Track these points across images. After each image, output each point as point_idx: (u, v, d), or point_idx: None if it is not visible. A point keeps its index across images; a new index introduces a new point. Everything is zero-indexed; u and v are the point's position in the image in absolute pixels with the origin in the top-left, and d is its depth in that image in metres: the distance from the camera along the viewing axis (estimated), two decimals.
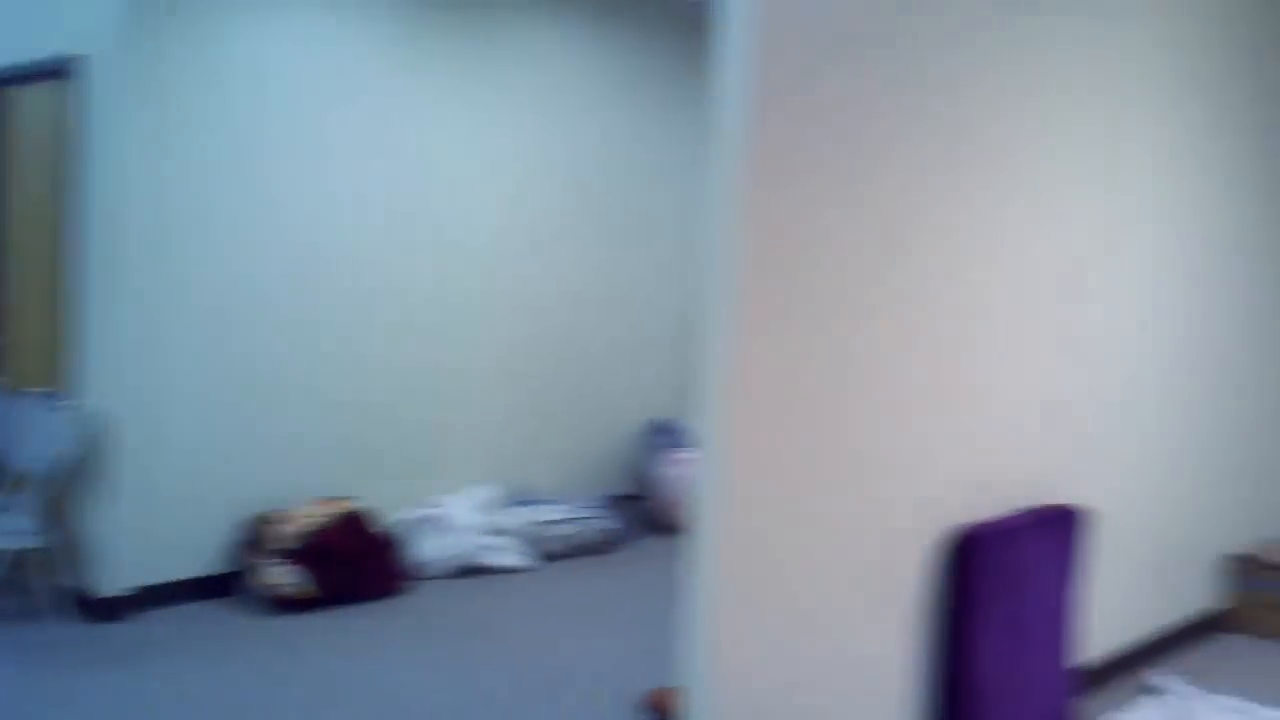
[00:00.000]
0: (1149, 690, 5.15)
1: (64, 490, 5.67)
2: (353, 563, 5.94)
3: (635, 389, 8.10)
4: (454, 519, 6.55)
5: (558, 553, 6.91)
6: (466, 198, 6.97)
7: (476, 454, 7.18)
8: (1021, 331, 4.46)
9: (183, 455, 5.78)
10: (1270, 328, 6.24)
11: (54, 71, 5.74)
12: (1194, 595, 5.94)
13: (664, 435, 7.79)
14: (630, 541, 7.40)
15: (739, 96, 3.24)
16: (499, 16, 7.05)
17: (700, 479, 3.37)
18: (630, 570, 6.81)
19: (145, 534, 5.64)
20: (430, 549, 6.42)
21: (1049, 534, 4.51)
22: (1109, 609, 5.19)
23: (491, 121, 7.07)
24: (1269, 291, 6.18)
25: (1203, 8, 5.34)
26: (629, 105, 7.88)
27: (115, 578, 5.54)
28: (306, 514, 5.93)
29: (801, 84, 3.37)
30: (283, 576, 5.68)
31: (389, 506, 6.54)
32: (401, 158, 6.59)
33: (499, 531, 6.72)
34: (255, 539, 5.84)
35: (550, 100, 7.40)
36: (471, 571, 6.52)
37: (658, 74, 8.01)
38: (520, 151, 7.26)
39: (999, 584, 4.21)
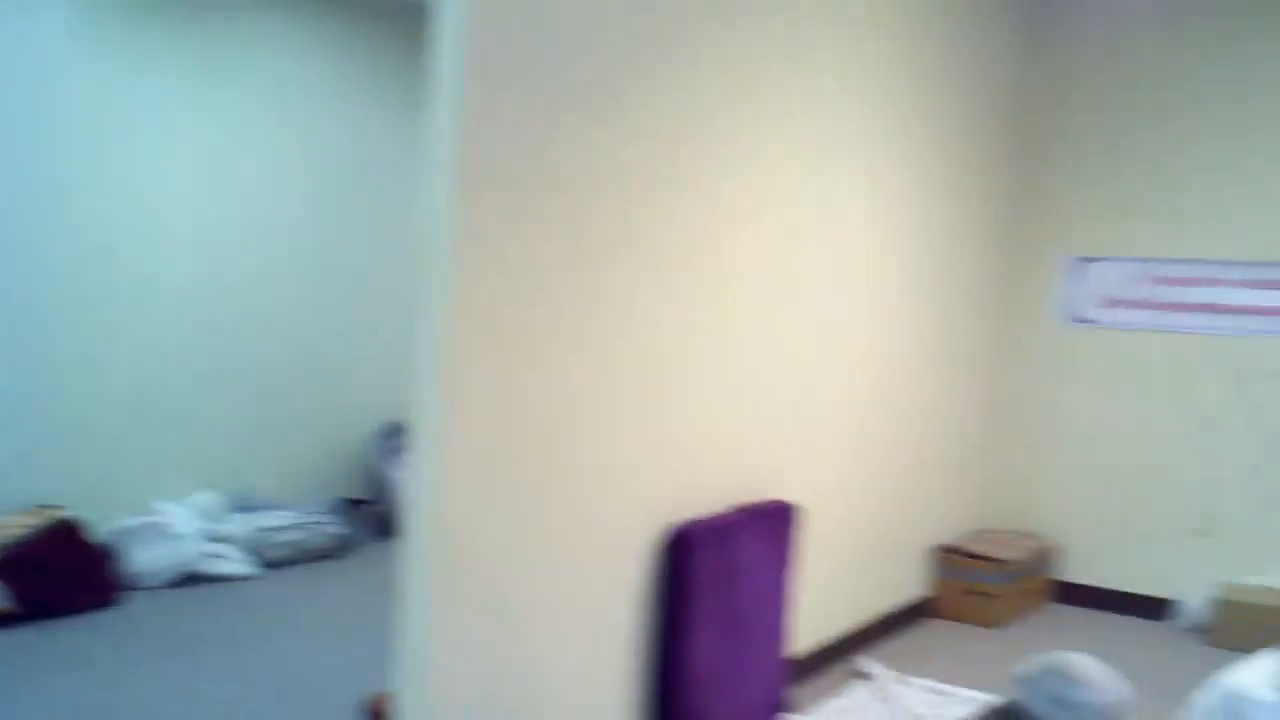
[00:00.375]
0: (859, 675, 5.41)
1: None
2: (61, 575, 5.64)
3: (369, 390, 7.98)
4: (173, 527, 6.30)
5: (283, 559, 6.73)
6: (185, 196, 6.72)
7: (197, 459, 6.93)
8: (733, 336, 4.61)
9: None
10: (963, 336, 6.65)
11: None
12: (903, 584, 6.27)
13: (397, 437, 7.70)
14: (361, 546, 7.28)
15: (451, 100, 3.24)
16: (225, 12, 6.83)
17: (412, 481, 3.36)
18: (357, 576, 6.70)
19: None
20: (148, 558, 6.15)
21: (763, 529, 4.68)
22: (823, 599, 5.42)
23: (216, 120, 6.84)
24: (956, 295, 6.58)
25: (899, 20, 5.65)
26: (361, 102, 7.76)
27: None
28: (8, 524, 5.60)
29: (514, 91, 3.39)
30: None
31: (105, 515, 6.25)
32: (113, 154, 6.31)
33: (221, 539, 6.51)
34: None
35: (279, 98, 7.22)
36: (193, 580, 6.29)
37: (390, 71, 7.92)
38: (248, 149, 7.05)
39: (713, 578, 4.34)
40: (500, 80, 3.33)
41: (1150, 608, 6.60)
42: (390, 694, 3.48)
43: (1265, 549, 6.25)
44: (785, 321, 4.96)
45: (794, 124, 4.81)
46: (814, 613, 5.32)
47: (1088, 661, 2.97)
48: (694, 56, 4.13)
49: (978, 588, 6.34)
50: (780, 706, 4.83)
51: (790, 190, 4.86)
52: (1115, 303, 6.75)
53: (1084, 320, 6.83)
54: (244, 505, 6.92)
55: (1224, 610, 6.17)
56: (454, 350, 3.31)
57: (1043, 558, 6.77)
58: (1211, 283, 6.47)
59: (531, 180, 3.49)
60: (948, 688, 5.06)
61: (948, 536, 6.62)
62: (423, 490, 3.34)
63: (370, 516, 7.65)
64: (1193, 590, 6.46)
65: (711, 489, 4.53)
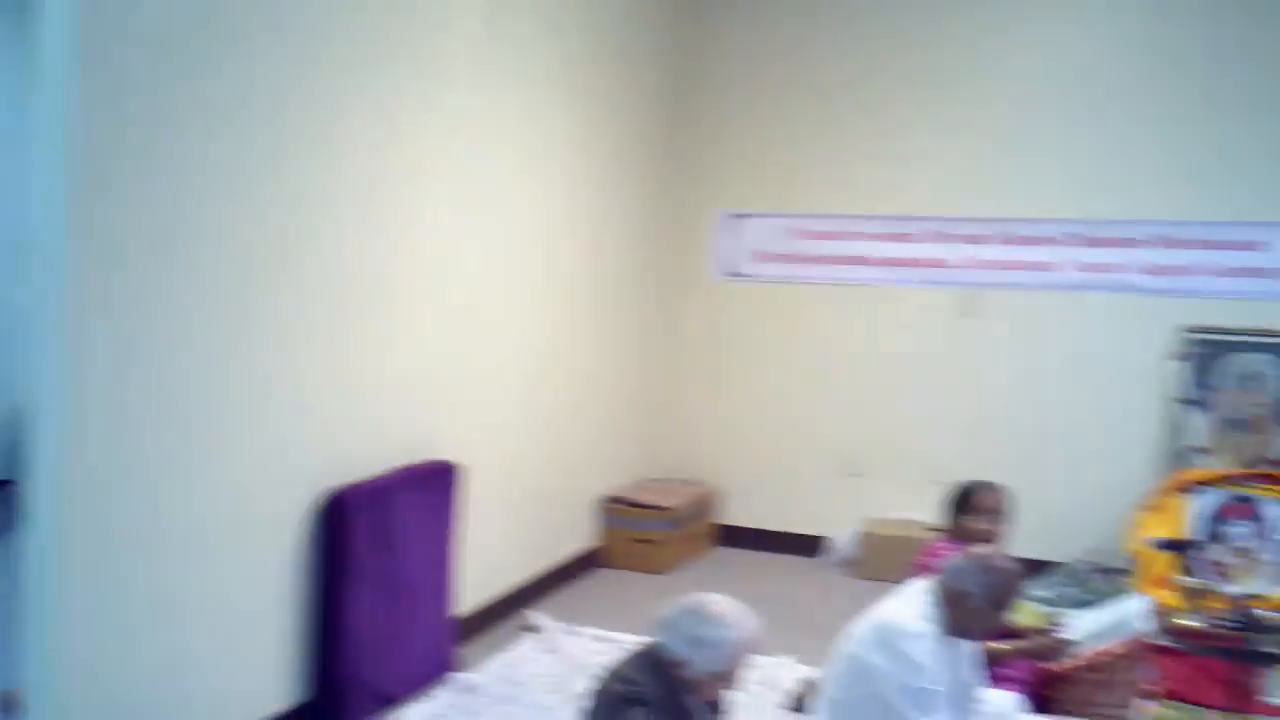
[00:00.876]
0: (528, 629, 5.48)
1: None
2: None
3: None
4: None
5: None
6: None
7: None
8: (395, 299, 4.57)
9: None
10: (625, 293, 6.82)
11: None
12: (571, 536, 6.39)
13: None
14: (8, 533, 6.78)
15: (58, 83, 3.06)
16: None
17: (35, 463, 3.16)
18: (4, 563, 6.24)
19: None
20: None
21: (423, 490, 4.66)
22: (490, 556, 5.46)
23: None
24: (619, 253, 6.74)
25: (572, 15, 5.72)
26: None
27: None
28: None
29: (126, 80, 3.23)
30: None
31: None
32: None
33: None
34: None
35: None
36: None
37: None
38: None
39: (372, 543, 4.29)
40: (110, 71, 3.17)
41: (804, 545, 6.97)
42: (21, 689, 3.27)
43: (905, 484, 6.71)
44: (445, 282, 4.94)
45: (454, 101, 4.81)
46: (481, 570, 5.35)
47: (722, 600, 3.11)
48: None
49: (643, 536, 6.54)
50: (448, 666, 4.85)
51: (442, 157, 4.85)
52: (765, 257, 7.06)
53: (737, 274, 7.12)
54: None
55: (870, 544, 6.60)
56: (71, 332, 3.14)
57: (705, 503, 7.05)
58: (852, 236, 6.86)
59: (148, 161, 3.34)
60: (614, 635, 5.19)
61: (615, 487, 6.78)
62: (46, 474, 3.15)
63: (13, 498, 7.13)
64: (842, 527, 6.87)
65: (370, 451, 4.47)
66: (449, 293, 4.97)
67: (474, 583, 5.27)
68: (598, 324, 6.45)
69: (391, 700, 4.47)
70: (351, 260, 4.31)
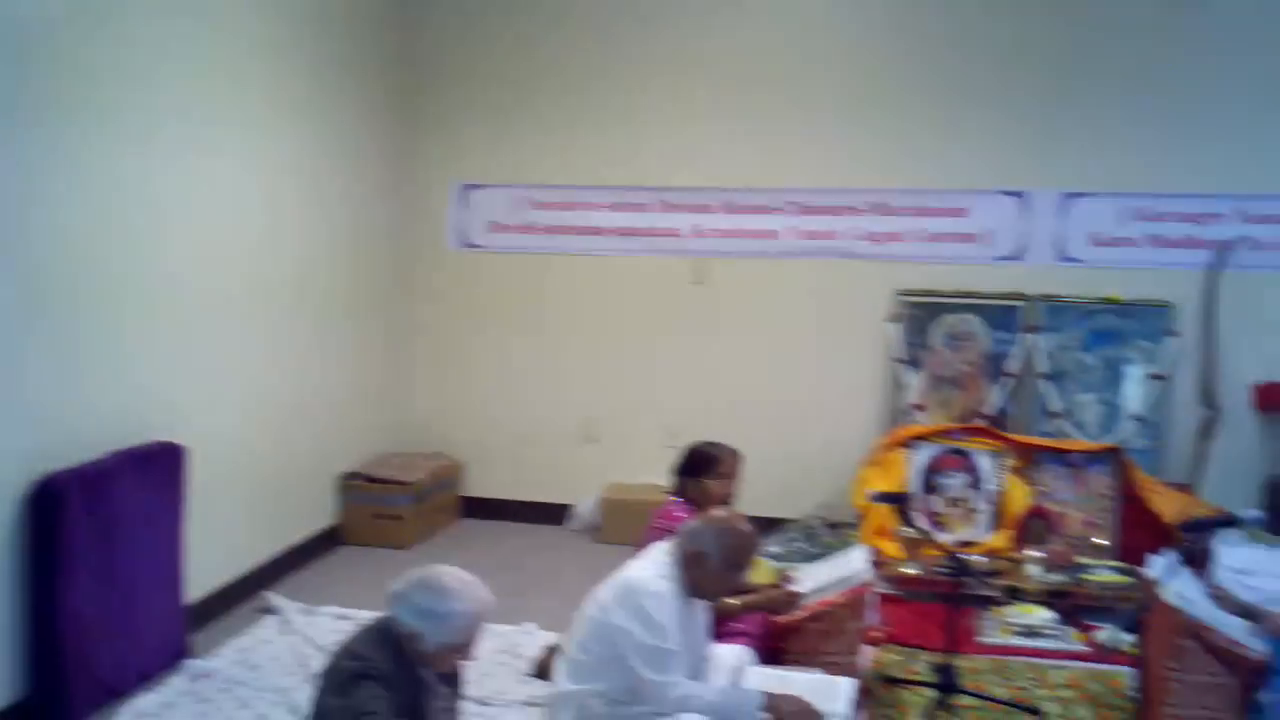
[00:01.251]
0: (266, 611, 5.34)
1: None
2: None
3: None
4: None
5: None
6: None
7: None
8: (113, 277, 4.40)
9: None
10: (360, 266, 6.70)
11: None
12: (311, 515, 6.26)
13: None
14: None
15: None
16: None
17: None
18: None
19: None
20: None
21: (147, 472, 4.49)
22: (224, 539, 5.31)
23: None
24: (355, 227, 6.61)
25: None
26: None
27: None
28: None
29: None
30: None
31: None
32: None
33: None
34: None
35: None
36: None
37: None
38: None
39: (90, 527, 4.11)
40: None
41: (548, 514, 7.01)
42: None
43: (644, 449, 6.82)
44: (167, 257, 4.76)
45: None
46: (216, 552, 5.21)
47: (453, 572, 3.11)
48: None
49: (385, 511, 6.46)
50: (182, 653, 4.69)
51: (161, 127, 4.68)
52: (501, 228, 7.04)
53: (473, 245, 7.08)
54: None
55: (610, 509, 6.70)
56: None
57: (447, 476, 7.00)
58: (584, 207, 6.91)
59: None
60: (355, 612, 5.10)
61: (355, 463, 6.66)
62: None
63: None
64: (584, 494, 6.95)
65: (88, 435, 4.28)
66: (171, 269, 4.79)
67: (208, 566, 5.12)
68: (332, 298, 6.31)
69: (120, 692, 4.31)
70: (65, 238, 4.11)
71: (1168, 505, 5.64)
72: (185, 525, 4.74)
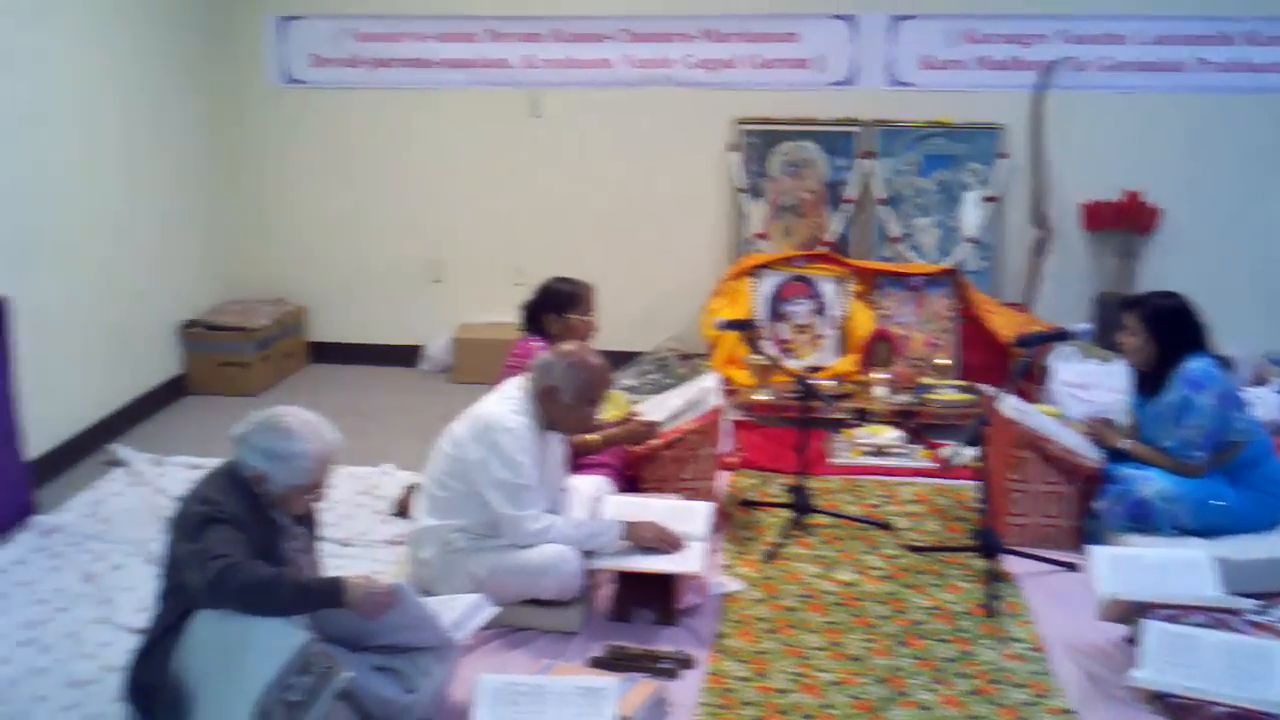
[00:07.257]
0: (113, 464, 5.24)
1: None
2: None
3: None
4: None
5: None
6: None
7: None
8: None
9: None
10: (181, 107, 6.41)
11: None
12: (153, 366, 6.12)
13: None
14: None
15: None
16: None
17: None
18: None
19: None
20: None
21: None
22: (62, 393, 5.18)
23: None
24: (166, 65, 6.31)
25: None
26: None
27: None
28: None
29: None
30: None
31: None
32: None
33: None
34: None
35: None
36: None
37: None
38: None
39: None
40: None
41: (399, 355, 6.94)
42: None
43: (492, 287, 6.76)
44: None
45: None
46: (55, 407, 5.09)
47: (297, 412, 3.08)
48: None
49: (229, 359, 6.34)
50: (27, 509, 4.58)
51: None
52: (324, 61, 6.72)
53: (297, 81, 6.77)
54: None
55: (461, 349, 6.67)
56: None
57: (292, 322, 6.84)
58: (410, 37, 6.63)
59: None
60: (205, 462, 5.02)
61: (196, 312, 6.49)
62: None
63: None
64: (434, 334, 6.88)
65: None
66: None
67: (48, 421, 5.00)
68: (154, 142, 6.04)
69: None
70: None
71: (1005, 324, 5.87)
72: (14, 379, 4.56)
